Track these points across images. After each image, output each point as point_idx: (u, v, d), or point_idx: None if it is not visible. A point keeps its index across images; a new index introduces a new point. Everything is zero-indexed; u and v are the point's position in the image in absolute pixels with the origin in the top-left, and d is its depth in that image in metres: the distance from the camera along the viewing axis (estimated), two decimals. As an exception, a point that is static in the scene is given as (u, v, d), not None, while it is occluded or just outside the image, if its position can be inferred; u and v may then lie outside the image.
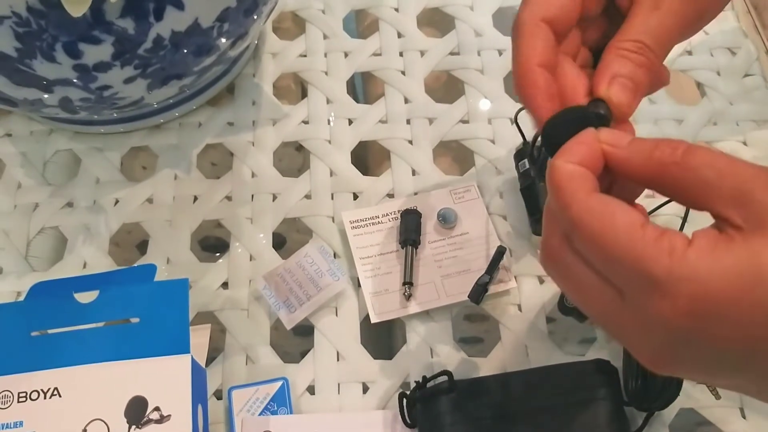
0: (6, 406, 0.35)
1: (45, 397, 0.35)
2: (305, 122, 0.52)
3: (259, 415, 0.40)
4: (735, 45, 0.54)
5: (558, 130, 0.29)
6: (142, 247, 0.48)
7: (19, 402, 0.35)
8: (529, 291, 0.44)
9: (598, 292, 0.26)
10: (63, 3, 0.33)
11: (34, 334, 0.37)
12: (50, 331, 0.37)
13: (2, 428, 0.35)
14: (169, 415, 0.35)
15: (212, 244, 0.55)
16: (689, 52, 0.54)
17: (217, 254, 0.48)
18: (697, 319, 0.24)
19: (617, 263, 0.25)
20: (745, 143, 0.50)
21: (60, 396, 0.35)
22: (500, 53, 0.54)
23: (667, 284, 0.24)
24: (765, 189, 0.24)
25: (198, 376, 0.37)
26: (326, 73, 0.54)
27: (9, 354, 0.36)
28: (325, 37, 0.56)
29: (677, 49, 0.50)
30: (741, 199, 0.24)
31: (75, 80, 0.40)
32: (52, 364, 0.36)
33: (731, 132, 0.50)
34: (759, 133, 0.50)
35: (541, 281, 0.45)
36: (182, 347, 0.36)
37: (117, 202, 0.48)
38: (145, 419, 0.35)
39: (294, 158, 0.55)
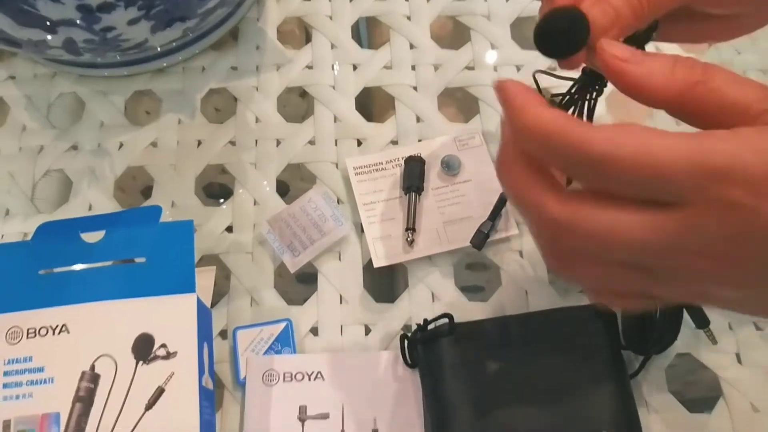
0: (15, 341, 0.36)
1: (54, 334, 0.36)
2: (309, 67, 0.51)
3: (264, 354, 0.41)
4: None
5: (550, 26, 0.28)
6: (147, 192, 0.48)
7: (28, 338, 0.36)
8: (530, 238, 0.45)
9: (642, 230, 0.24)
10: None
11: (41, 272, 0.37)
12: (58, 270, 0.37)
13: (12, 363, 0.36)
14: (176, 352, 0.36)
15: (216, 191, 0.55)
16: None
17: (221, 200, 0.48)
18: None
19: (669, 173, 0.23)
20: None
21: (68, 332, 0.36)
22: (507, -1, 0.53)
23: (732, 165, 0.22)
24: None
25: (203, 315, 0.38)
26: (331, 18, 0.53)
27: (17, 292, 0.37)
28: (329, -20, 0.55)
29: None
30: None
31: (78, 21, 0.40)
32: (60, 301, 0.37)
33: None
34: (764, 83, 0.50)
35: (543, 228, 0.45)
36: (188, 287, 0.37)
37: (121, 145, 0.48)
38: (152, 355, 0.36)
39: (298, 105, 0.55)
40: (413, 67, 0.51)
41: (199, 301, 0.37)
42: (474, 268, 0.57)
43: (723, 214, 0.23)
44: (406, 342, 0.40)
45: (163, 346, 0.36)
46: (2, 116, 0.50)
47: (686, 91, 0.25)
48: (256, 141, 0.49)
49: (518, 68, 0.51)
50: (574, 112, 0.34)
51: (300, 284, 0.49)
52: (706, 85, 0.24)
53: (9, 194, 0.47)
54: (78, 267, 0.37)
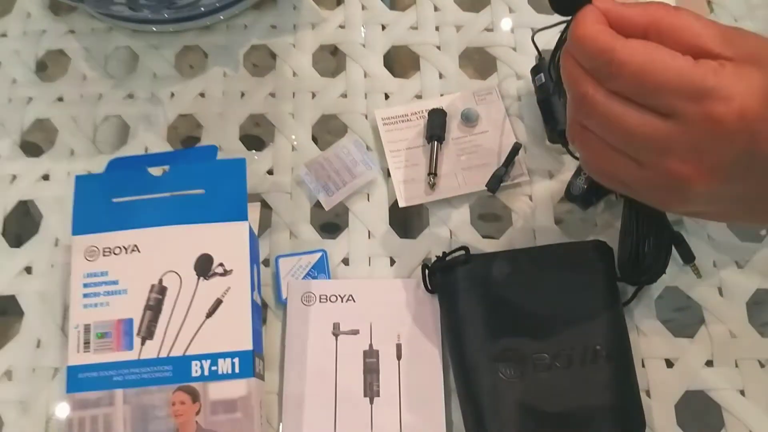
0: (93, 258, 0.42)
1: (126, 252, 0.42)
2: (341, 26, 0.56)
3: (302, 279, 0.47)
4: (747, -36, 0.58)
5: None
6: (191, 140, 0.54)
7: (104, 256, 0.42)
8: (540, 184, 0.50)
9: (642, 126, 0.31)
10: None
11: (114, 200, 0.43)
12: (128, 199, 0.43)
13: (90, 276, 0.42)
14: (231, 270, 0.41)
15: (252, 142, 0.60)
16: (703, -30, 0.58)
17: (253, 150, 0.53)
18: (749, 121, 0.29)
19: (668, 85, 0.30)
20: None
21: (139, 252, 0.42)
22: (525, -34, 0.58)
23: (719, 89, 0.29)
24: (741, 37, 0.31)
25: (253, 240, 0.44)
26: (362, -19, 0.58)
27: (94, 216, 0.43)
28: (361, -55, 0.59)
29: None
30: (727, 40, 0.30)
31: (142, -20, 0.45)
32: (131, 225, 0.42)
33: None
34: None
35: (551, 176, 0.50)
36: (241, 215, 0.42)
37: (172, 95, 0.54)
38: (211, 272, 0.41)
39: (328, 60, 0.60)
40: (437, 28, 0.56)
41: (250, 228, 0.43)
42: (486, 218, 0.62)
43: (707, 127, 0.29)
44: (426, 270, 0.46)
45: (221, 264, 0.42)
46: (64, 67, 0.56)
47: (657, 19, 0.31)
48: (294, 93, 0.54)
49: (533, 31, 0.55)
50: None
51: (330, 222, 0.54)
52: (673, 15, 0.31)
53: (73, 136, 0.52)
54: (146, 196, 0.43)
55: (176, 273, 0.41)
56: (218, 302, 0.41)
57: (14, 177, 0.51)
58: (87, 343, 0.40)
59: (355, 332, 0.45)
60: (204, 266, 0.42)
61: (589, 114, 0.33)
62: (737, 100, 0.29)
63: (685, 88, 0.29)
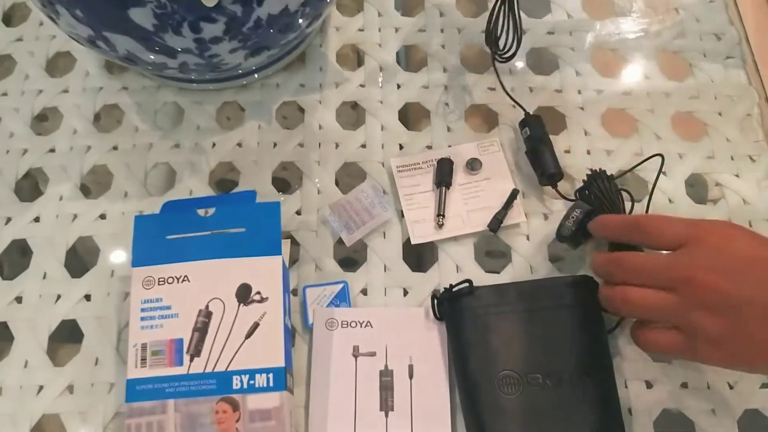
0: (150, 287, 0.49)
1: (178, 282, 0.49)
2: (362, 85, 0.64)
3: (326, 306, 0.53)
4: (721, 31, 0.65)
5: None
6: (222, 183, 0.61)
7: (158, 285, 0.49)
8: (535, 225, 0.57)
9: (658, 299, 0.45)
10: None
11: (168, 237, 0.50)
12: (180, 236, 0.50)
13: (147, 302, 0.49)
14: (267, 297, 0.48)
15: (279, 184, 0.67)
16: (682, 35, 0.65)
17: (280, 192, 0.60)
18: (708, 278, 0.43)
19: (655, 273, 0.45)
20: (719, 114, 0.61)
21: (189, 281, 0.49)
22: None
23: (682, 268, 0.44)
24: (694, 225, 0.45)
25: (285, 272, 0.51)
26: (380, 45, 0.66)
27: (151, 250, 0.50)
28: (379, 14, 0.67)
29: (670, 33, 0.62)
30: (682, 234, 0.45)
31: (194, 50, 0.53)
32: (182, 258, 0.49)
33: (710, 103, 0.62)
34: (732, 108, 0.61)
35: (546, 217, 0.57)
36: (276, 250, 0.49)
37: (214, 145, 0.61)
38: (249, 300, 0.48)
39: (349, 114, 0.67)
40: (446, 87, 0.63)
41: (283, 261, 0.50)
42: (493, 255, 0.69)
43: (689, 289, 0.43)
44: (435, 300, 0.52)
45: (258, 293, 0.48)
46: (118, 120, 0.64)
47: (634, 223, 0.47)
48: (320, 143, 0.61)
49: (531, 89, 0.63)
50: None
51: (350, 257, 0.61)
52: (647, 218, 0.47)
53: (127, 180, 0.60)
54: (195, 234, 0.50)
55: (220, 300, 0.48)
56: (255, 325, 0.48)
57: (75, 216, 0.58)
58: (144, 359, 0.47)
59: (373, 354, 0.51)
60: (244, 294, 0.48)
61: (619, 265, 0.48)
62: (695, 269, 0.43)
63: (665, 272, 0.44)
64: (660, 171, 0.56)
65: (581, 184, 0.56)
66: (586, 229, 0.52)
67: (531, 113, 0.59)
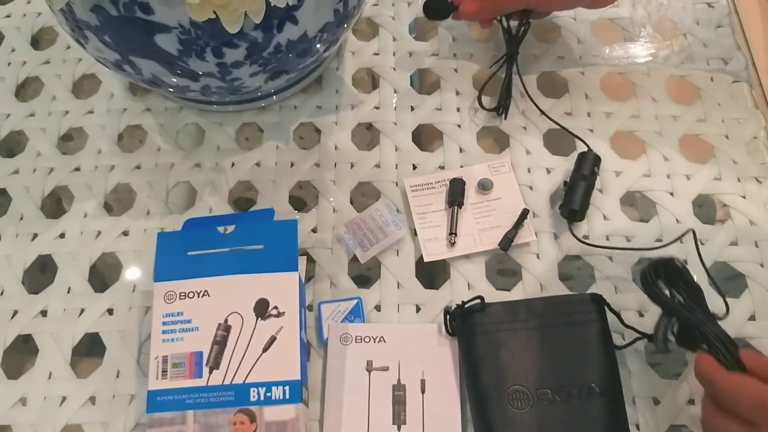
0: (171, 301, 0.51)
1: (198, 296, 0.51)
2: (377, 107, 0.66)
3: (341, 322, 0.55)
4: (728, 56, 0.67)
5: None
6: (239, 201, 0.63)
7: (180, 299, 0.51)
8: (545, 244, 0.58)
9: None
10: (224, 24, 0.48)
11: (189, 253, 0.52)
12: (201, 252, 0.52)
13: (168, 315, 0.50)
14: (284, 312, 0.50)
15: (295, 202, 0.69)
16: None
17: (296, 210, 0.62)
18: None
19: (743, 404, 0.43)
20: (726, 137, 0.63)
21: (209, 296, 0.51)
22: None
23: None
24: None
25: (301, 288, 0.52)
26: (394, 69, 0.68)
27: (172, 266, 0.52)
28: (393, 39, 0.70)
29: (678, 58, 0.63)
30: None
31: (216, 73, 0.55)
32: (203, 274, 0.51)
33: (717, 126, 0.63)
34: (739, 131, 0.63)
35: (556, 237, 0.58)
36: (293, 266, 0.51)
37: (233, 164, 0.63)
38: (267, 314, 0.50)
39: (364, 135, 0.69)
40: (458, 109, 0.65)
41: (299, 277, 0.51)
42: (505, 273, 0.70)
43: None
44: (447, 316, 0.54)
45: (275, 307, 0.50)
46: (141, 140, 0.66)
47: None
48: (335, 163, 0.63)
49: (541, 111, 0.64)
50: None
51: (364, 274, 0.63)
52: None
53: (149, 198, 0.62)
54: (215, 250, 0.52)
55: (239, 314, 0.50)
56: (273, 339, 0.49)
57: (99, 233, 0.60)
58: (165, 371, 0.49)
59: (386, 369, 0.53)
60: (261, 309, 0.50)
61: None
62: None
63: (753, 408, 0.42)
64: (697, 246, 0.55)
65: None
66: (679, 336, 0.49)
67: (591, 150, 0.61)
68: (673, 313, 0.47)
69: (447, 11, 0.63)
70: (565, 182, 0.59)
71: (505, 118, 0.64)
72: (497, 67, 0.64)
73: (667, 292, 0.48)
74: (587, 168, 0.59)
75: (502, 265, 0.68)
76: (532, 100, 0.64)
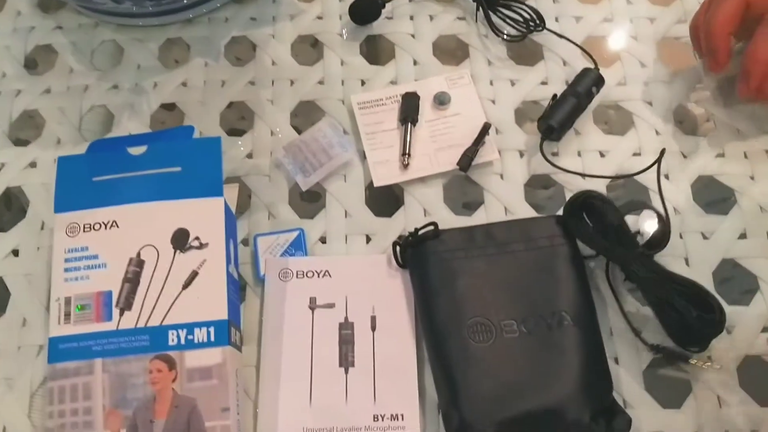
0: (74, 234, 0.44)
1: (106, 228, 0.43)
2: (319, 17, 0.58)
3: (280, 256, 0.48)
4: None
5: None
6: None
7: (84, 232, 0.44)
8: (510, 163, 0.51)
9: None
10: None
11: (95, 179, 0.45)
12: (108, 177, 0.45)
13: (71, 251, 0.43)
14: (207, 243, 0.43)
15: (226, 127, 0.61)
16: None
17: (235, 137, 0.55)
18: None
19: None
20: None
21: (118, 227, 0.43)
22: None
23: None
24: None
25: (229, 216, 0.45)
26: (339, -26, 0.60)
27: (74, 195, 0.44)
28: (337, -60, 0.61)
29: None
30: None
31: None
32: (111, 202, 0.44)
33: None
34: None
35: (521, 155, 0.52)
36: (217, 191, 0.44)
37: (156, 85, 0.56)
38: (187, 245, 0.43)
39: (310, 53, 0.61)
40: (411, 17, 0.58)
41: (226, 205, 0.44)
42: (471, 207, 0.63)
43: None
44: (398, 247, 0.47)
45: (197, 238, 0.43)
46: (51, 61, 0.58)
47: None
48: (273, 81, 0.55)
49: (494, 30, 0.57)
50: None
51: (307, 203, 0.56)
52: None
53: (60, 125, 0.54)
54: (125, 174, 0.44)
55: (154, 247, 0.43)
56: (194, 274, 0.42)
57: (2, 165, 0.53)
58: (68, 315, 0.42)
59: (331, 306, 0.46)
60: (180, 240, 0.43)
61: None
62: None
63: None
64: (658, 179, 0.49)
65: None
66: None
67: (597, 68, 0.54)
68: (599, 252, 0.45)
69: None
70: (555, 95, 0.52)
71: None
72: None
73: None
74: (584, 86, 0.52)
75: (467, 197, 0.62)
76: None
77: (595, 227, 0.45)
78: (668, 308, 0.43)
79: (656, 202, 0.49)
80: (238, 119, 0.58)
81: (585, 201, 0.45)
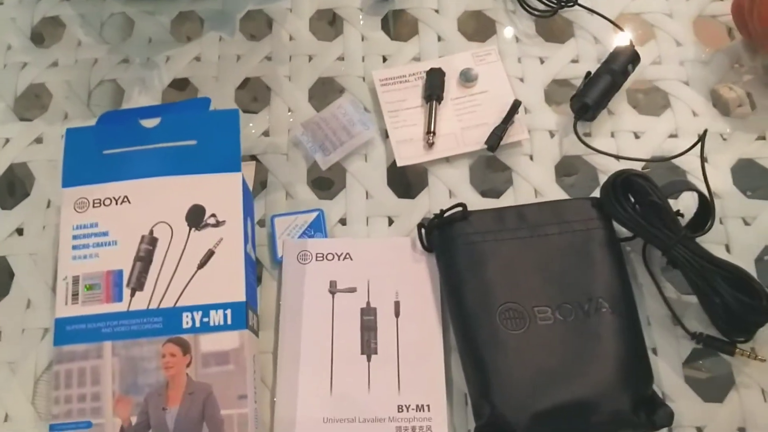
0: (83, 210, 0.41)
1: (116, 204, 0.41)
2: (339, -9, 0.56)
3: (298, 238, 0.45)
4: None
5: None
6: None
7: (94, 207, 0.41)
8: (540, 143, 0.49)
9: None
10: None
11: (105, 152, 0.42)
12: (119, 150, 0.42)
13: (80, 228, 0.41)
14: (224, 221, 0.40)
15: (241, 103, 0.59)
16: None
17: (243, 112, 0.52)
18: None
19: None
20: None
21: (129, 203, 0.41)
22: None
23: None
24: None
25: (247, 194, 0.43)
26: (360, -52, 0.57)
27: (84, 168, 0.42)
28: None
29: None
30: None
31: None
32: (122, 177, 0.41)
33: None
34: None
35: (551, 135, 0.49)
36: (234, 166, 0.42)
37: (168, 59, 0.53)
38: (203, 223, 0.40)
39: (328, 32, 0.59)
40: (435, -9, 0.55)
41: (243, 181, 0.42)
42: (490, 194, 0.61)
43: None
44: (423, 229, 0.45)
45: (213, 215, 0.41)
46: (59, 34, 0.55)
47: None
48: (290, 56, 0.53)
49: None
50: None
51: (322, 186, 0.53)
52: None
53: (67, 100, 0.52)
54: (137, 148, 0.42)
55: (167, 224, 0.40)
56: (210, 253, 0.40)
57: (7, 140, 0.50)
58: (75, 295, 0.39)
59: (353, 290, 0.44)
60: (196, 217, 0.41)
61: None
62: None
63: None
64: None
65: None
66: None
67: (632, 44, 0.51)
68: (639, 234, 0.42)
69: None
70: (589, 73, 0.49)
71: None
72: None
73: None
74: (619, 63, 0.49)
75: (488, 185, 0.59)
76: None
77: (635, 209, 0.43)
78: (712, 294, 0.40)
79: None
80: (251, 101, 0.56)
81: (626, 179, 0.42)
